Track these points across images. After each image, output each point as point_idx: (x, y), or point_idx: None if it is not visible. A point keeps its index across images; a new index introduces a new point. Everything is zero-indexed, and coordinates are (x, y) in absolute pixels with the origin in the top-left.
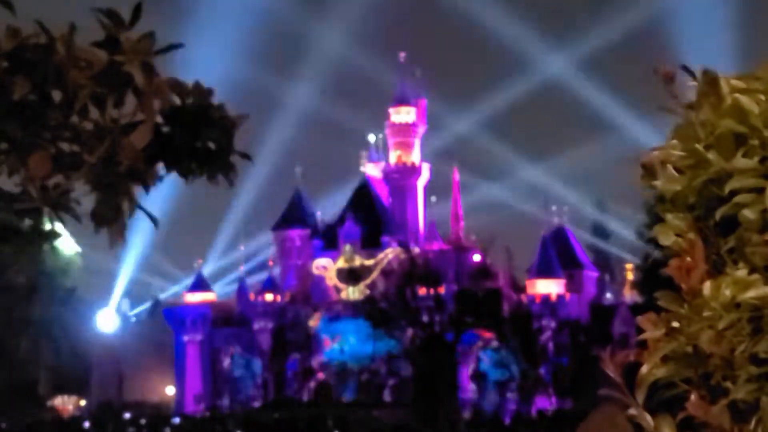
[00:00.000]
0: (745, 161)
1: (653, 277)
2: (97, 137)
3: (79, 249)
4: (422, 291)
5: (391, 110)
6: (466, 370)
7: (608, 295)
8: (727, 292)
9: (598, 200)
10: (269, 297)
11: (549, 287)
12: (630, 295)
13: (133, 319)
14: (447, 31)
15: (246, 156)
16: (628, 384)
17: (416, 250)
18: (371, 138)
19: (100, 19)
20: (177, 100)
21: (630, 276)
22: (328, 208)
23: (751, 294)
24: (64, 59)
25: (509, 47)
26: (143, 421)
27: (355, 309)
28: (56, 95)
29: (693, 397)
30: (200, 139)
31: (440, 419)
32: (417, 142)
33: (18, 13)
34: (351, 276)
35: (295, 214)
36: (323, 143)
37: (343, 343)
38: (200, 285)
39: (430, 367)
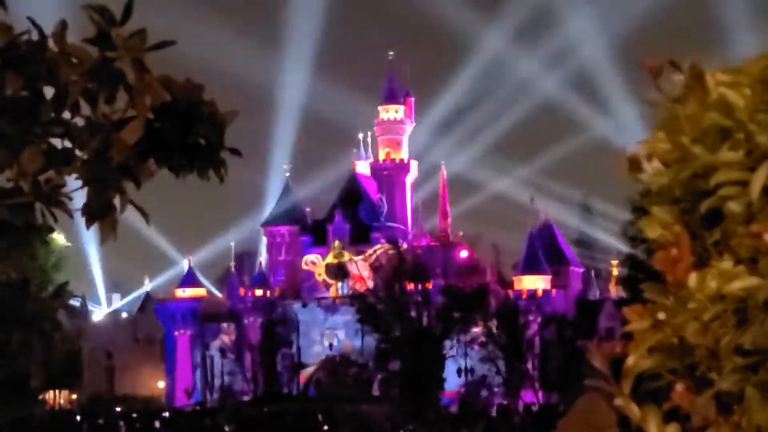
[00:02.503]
0: (730, 154)
1: (638, 272)
2: (88, 133)
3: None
4: (410, 286)
5: (380, 108)
6: (453, 365)
7: (594, 291)
8: (713, 284)
9: (583, 195)
10: (259, 292)
11: (535, 283)
12: (615, 291)
13: (124, 314)
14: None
15: (236, 152)
16: (615, 376)
17: (404, 246)
18: (360, 135)
19: (91, 15)
20: (168, 96)
21: (615, 272)
22: (317, 205)
23: (736, 285)
24: (56, 56)
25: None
26: (134, 415)
27: (343, 304)
28: (48, 91)
29: (678, 387)
30: (191, 135)
31: (427, 413)
32: (405, 140)
33: (10, 9)
34: (340, 272)
35: (284, 210)
36: (313, 140)
37: (332, 338)
38: (190, 280)
39: (418, 361)
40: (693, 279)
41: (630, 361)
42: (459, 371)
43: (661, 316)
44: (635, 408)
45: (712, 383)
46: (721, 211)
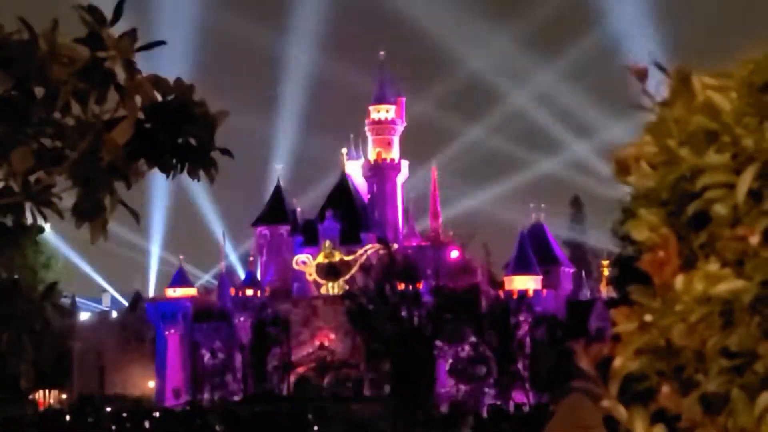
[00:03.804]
0: (716, 157)
1: (627, 272)
2: (79, 133)
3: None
4: (401, 287)
5: (371, 108)
6: (444, 365)
7: (585, 291)
8: (699, 286)
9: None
10: (249, 292)
11: (526, 283)
12: (606, 291)
13: (114, 313)
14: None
15: (227, 152)
16: (603, 377)
17: (395, 246)
18: (351, 135)
19: (82, 15)
20: (158, 97)
21: (606, 272)
22: (308, 205)
23: (722, 288)
24: (47, 55)
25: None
26: (124, 415)
27: (334, 304)
28: (39, 91)
29: (665, 389)
30: (181, 136)
31: (417, 413)
32: (396, 140)
33: (0, 9)
34: (331, 271)
35: (275, 211)
36: (304, 140)
37: (323, 338)
38: (181, 280)
39: (409, 361)
40: (680, 281)
41: (617, 362)
42: (450, 371)
43: (648, 318)
44: (622, 409)
45: (699, 385)
46: (707, 213)
